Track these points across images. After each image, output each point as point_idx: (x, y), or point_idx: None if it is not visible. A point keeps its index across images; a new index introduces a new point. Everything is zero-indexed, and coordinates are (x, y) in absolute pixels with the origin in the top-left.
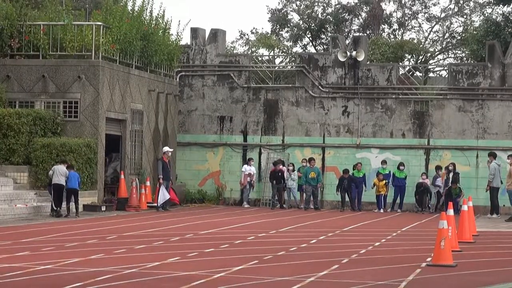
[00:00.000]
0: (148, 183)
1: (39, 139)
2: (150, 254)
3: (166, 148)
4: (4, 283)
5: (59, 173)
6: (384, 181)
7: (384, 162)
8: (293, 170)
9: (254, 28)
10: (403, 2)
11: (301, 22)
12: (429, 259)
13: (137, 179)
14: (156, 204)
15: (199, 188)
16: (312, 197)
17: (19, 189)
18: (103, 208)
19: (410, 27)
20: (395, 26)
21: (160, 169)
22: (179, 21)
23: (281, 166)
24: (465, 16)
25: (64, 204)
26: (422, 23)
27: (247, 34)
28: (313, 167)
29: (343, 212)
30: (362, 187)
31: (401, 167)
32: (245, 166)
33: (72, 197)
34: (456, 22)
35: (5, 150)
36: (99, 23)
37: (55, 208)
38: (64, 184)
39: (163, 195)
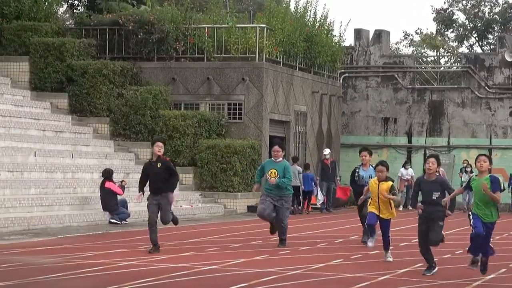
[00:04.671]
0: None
1: (204, 140)
2: (314, 256)
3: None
4: (170, 283)
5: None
6: (390, 184)
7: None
8: (471, 172)
9: (418, 28)
10: None
11: (467, 22)
12: None
13: None
14: (319, 206)
15: None
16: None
17: (184, 190)
18: None
19: None
20: None
21: (319, 171)
22: (341, 22)
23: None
24: None
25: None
26: None
27: (412, 35)
28: (277, 160)
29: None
30: None
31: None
32: (402, 170)
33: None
34: None
35: (171, 152)
36: (263, 25)
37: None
38: (298, 184)
39: (319, 196)
